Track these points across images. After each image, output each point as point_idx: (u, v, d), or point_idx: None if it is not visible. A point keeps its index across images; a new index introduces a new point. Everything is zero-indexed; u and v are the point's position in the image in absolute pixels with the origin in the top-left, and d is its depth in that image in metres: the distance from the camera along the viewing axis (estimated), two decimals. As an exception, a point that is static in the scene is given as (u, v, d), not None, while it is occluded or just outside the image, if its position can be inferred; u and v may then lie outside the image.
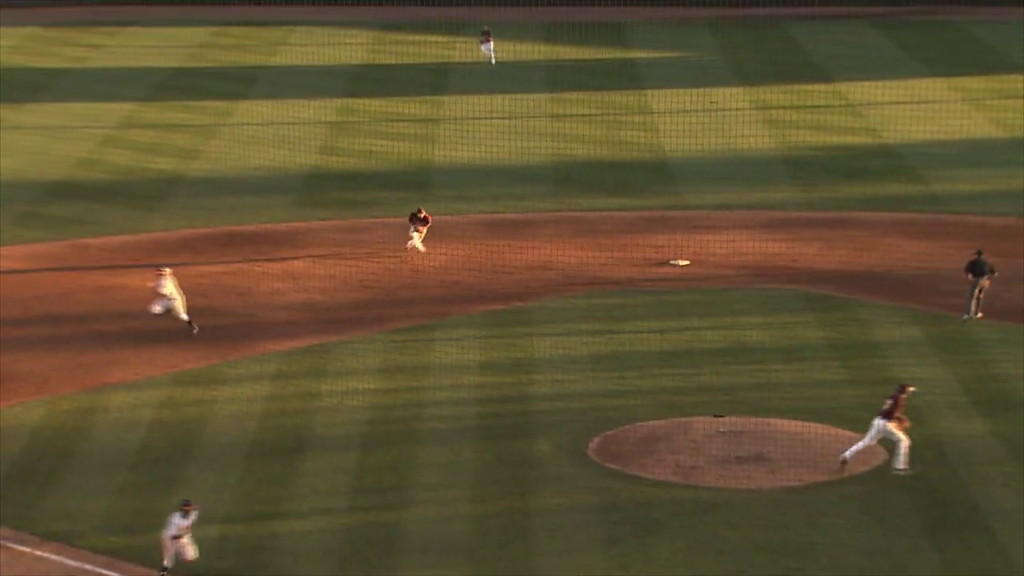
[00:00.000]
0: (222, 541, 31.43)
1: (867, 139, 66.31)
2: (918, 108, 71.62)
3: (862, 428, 36.13)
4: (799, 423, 36.62)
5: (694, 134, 67.16)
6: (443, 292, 47.31)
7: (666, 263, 49.64)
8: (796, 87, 76.22)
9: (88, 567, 30.47)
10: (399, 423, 37.43)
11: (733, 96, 74.36)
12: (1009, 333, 42.66)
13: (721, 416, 36.81)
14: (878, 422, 34.16)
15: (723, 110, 71.73)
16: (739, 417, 36.98)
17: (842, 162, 62.68)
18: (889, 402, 34.44)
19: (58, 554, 31.02)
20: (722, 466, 34.41)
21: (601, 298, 46.35)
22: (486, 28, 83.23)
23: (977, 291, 44.06)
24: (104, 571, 30.35)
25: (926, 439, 35.57)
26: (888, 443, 34.36)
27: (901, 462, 34.00)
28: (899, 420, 34.15)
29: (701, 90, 75.44)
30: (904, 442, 33.98)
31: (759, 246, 51.38)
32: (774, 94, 74.74)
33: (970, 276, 44.20)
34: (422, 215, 51.12)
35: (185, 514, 30.02)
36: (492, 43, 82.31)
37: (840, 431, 36.11)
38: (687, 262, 49.68)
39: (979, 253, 44.65)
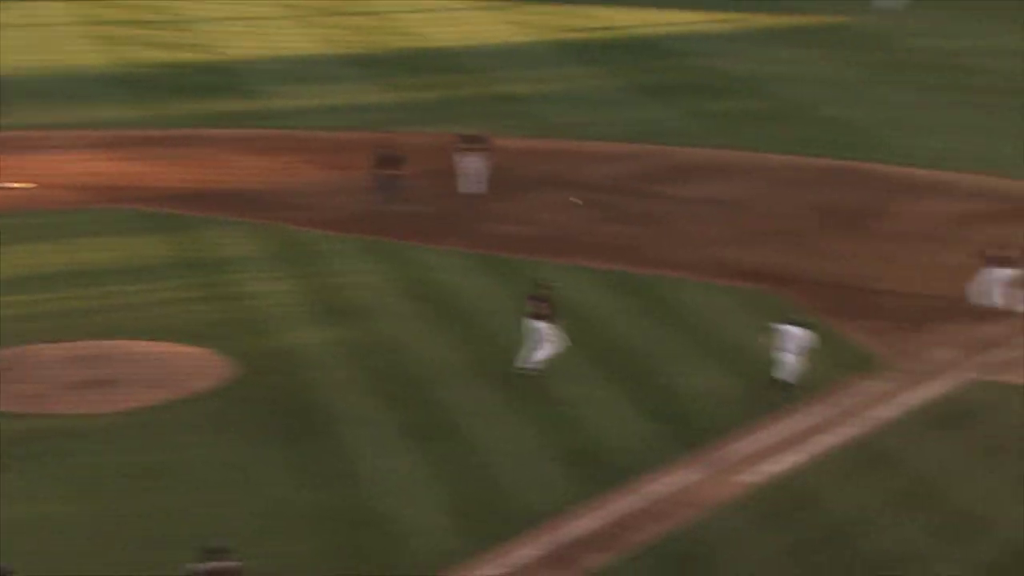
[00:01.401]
0: None
1: (201, 56, 66.51)
2: (248, 24, 72.52)
3: (212, 344, 36.63)
4: (149, 343, 36.66)
5: (17, 51, 64.95)
6: None
7: (2, 187, 48.09)
8: (124, 3, 75.20)
9: None
10: None
11: (55, 10, 72.45)
12: (348, 244, 44.31)
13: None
14: (540, 325, 34.07)
15: (47, 25, 69.79)
16: (88, 341, 36.58)
17: (178, 79, 62.60)
18: (541, 304, 34.21)
19: None
20: (73, 392, 33.97)
21: (-64, 225, 44.40)
22: None
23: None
24: None
25: (275, 351, 36.50)
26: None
27: (538, 360, 34.08)
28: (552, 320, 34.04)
29: (21, 3, 72.99)
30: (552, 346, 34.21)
31: (101, 166, 50.67)
32: (102, 9, 73.42)
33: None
34: None
35: None
36: None
37: (190, 348, 36.43)
38: (26, 184, 48.30)
39: (382, 156, 46.86)
